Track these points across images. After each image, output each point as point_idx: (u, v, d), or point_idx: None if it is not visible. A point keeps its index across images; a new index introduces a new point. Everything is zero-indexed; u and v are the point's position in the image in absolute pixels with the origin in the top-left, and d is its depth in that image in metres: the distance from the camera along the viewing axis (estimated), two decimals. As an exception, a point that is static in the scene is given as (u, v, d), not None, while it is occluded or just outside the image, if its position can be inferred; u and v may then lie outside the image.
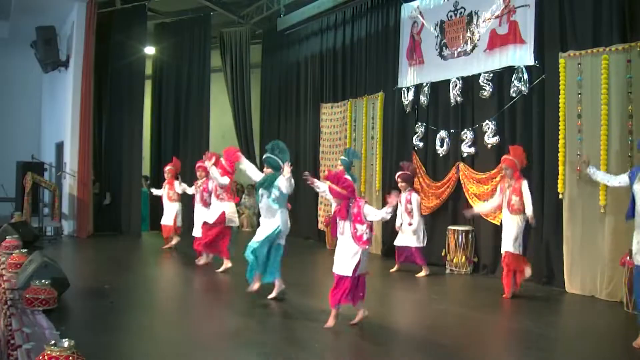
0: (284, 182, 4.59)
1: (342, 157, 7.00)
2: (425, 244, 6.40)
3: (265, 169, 4.79)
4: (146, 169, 10.70)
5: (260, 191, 4.73)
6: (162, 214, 8.02)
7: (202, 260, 6.64)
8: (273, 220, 4.72)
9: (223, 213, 6.22)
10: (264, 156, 4.78)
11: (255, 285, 4.82)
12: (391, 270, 6.51)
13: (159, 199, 8.21)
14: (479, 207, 5.83)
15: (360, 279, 4.04)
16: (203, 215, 6.49)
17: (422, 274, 6.28)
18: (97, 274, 6.05)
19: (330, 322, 4.03)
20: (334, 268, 4.06)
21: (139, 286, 5.70)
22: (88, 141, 9.15)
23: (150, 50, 10.64)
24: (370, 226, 3.98)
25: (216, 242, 6.27)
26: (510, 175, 5.14)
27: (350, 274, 3.94)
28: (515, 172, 5.14)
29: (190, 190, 7.31)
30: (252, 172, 5.03)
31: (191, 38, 10.67)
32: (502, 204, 5.18)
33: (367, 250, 4.00)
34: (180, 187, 7.81)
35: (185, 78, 10.62)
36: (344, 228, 3.98)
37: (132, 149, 9.86)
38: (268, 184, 4.69)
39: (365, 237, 3.91)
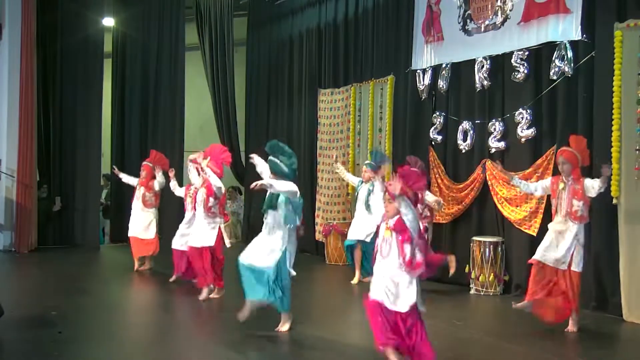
0: (284, 189, 4.53)
1: (368, 162, 7.04)
2: None
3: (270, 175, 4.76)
4: (106, 168, 10.55)
5: (268, 213, 4.70)
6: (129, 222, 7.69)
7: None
8: (276, 241, 4.67)
9: (219, 232, 5.95)
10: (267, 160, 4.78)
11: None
12: None
13: (123, 204, 8.04)
14: (517, 180, 5.52)
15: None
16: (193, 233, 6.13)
17: None
18: (41, 298, 5.94)
19: None
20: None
21: (96, 312, 5.58)
22: (31, 133, 8.99)
23: (109, 22, 10.54)
24: (423, 247, 3.67)
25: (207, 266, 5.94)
26: (568, 172, 4.95)
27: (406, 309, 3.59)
28: (575, 170, 4.95)
29: (178, 191, 6.84)
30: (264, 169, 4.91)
31: (161, 8, 10.62)
32: (556, 210, 5.03)
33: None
34: (158, 184, 7.36)
35: (154, 57, 10.57)
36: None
37: (89, 144, 9.75)
38: (275, 203, 4.64)
39: (417, 259, 3.61)
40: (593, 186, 4.86)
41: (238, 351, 4.28)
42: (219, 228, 5.95)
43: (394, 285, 3.61)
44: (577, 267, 4.89)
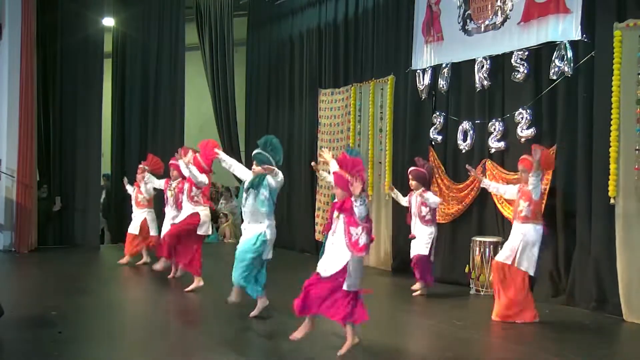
0: (271, 179, 4.87)
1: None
2: (432, 259, 6.36)
3: (254, 167, 5.02)
4: (106, 168, 10.56)
5: (249, 192, 4.97)
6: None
7: (158, 265, 6.81)
8: (258, 227, 4.96)
9: (197, 214, 6.33)
10: (253, 152, 5.02)
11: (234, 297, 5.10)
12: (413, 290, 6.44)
13: (125, 203, 8.17)
14: (487, 182, 6.05)
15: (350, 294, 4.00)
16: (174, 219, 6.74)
17: (417, 286, 6.35)
18: (41, 298, 5.94)
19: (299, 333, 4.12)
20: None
21: (95, 312, 5.59)
22: (31, 133, 8.98)
23: (109, 22, 10.54)
24: (368, 230, 3.95)
25: (186, 251, 6.37)
26: (526, 179, 5.26)
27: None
28: None
29: (157, 184, 7.44)
30: (239, 170, 5.27)
31: (161, 8, 10.63)
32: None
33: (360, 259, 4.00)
34: (146, 186, 7.72)
35: (154, 57, 10.58)
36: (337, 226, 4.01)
37: (89, 144, 9.75)
38: (258, 183, 4.93)
39: (361, 243, 3.91)
40: (531, 182, 5.11)
41: (238, 351, 4.28)
42: (198, 214, 6.32)
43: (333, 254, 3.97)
44: (520, 265, 5.16)
